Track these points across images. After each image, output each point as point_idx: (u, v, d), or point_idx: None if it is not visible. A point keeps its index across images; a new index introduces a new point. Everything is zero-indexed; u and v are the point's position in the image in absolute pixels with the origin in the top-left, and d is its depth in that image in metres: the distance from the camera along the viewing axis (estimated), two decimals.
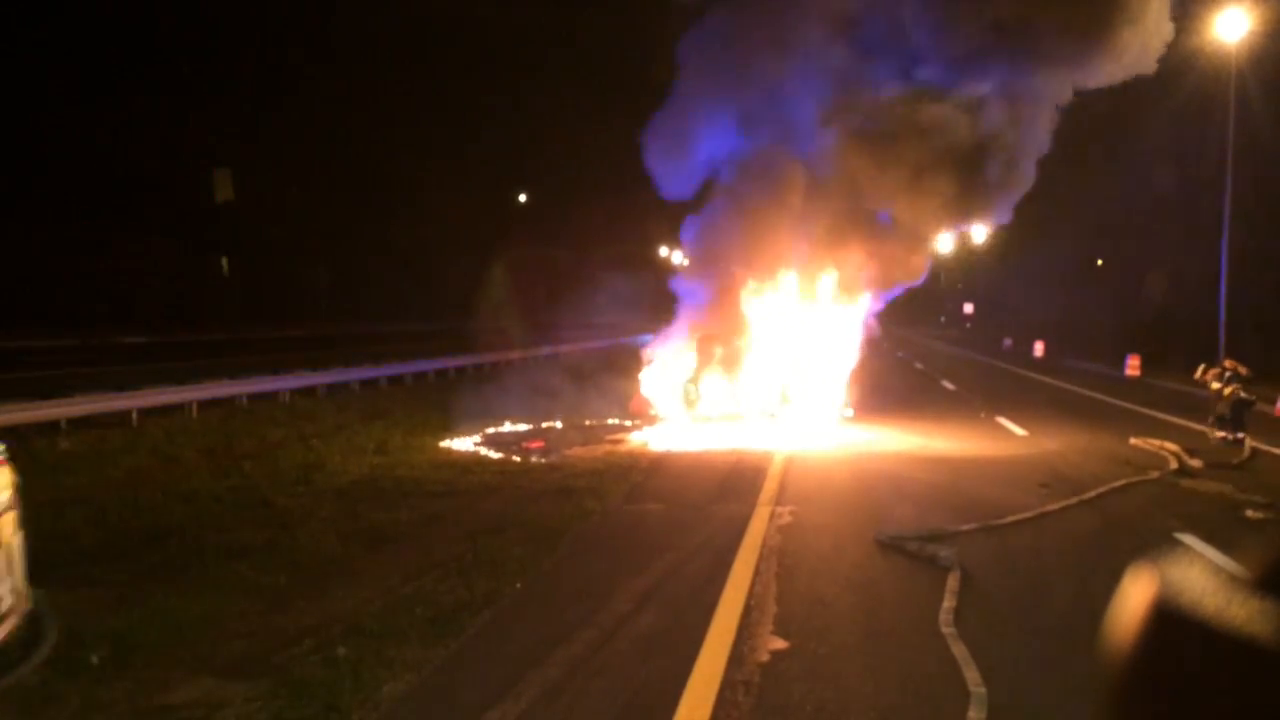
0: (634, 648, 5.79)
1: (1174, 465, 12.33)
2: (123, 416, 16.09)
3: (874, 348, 19.38)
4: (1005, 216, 19.38)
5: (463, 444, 15.09)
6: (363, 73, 62.78)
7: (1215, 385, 14.92)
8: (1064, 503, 9.95)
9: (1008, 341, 50.03)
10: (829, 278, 18.51)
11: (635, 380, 18.71)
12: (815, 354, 18.20)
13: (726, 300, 18.77)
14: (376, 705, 5.02)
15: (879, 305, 19.51)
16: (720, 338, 18.43)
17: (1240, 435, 14.32)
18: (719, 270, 19.16)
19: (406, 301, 57.58)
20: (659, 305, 19.95)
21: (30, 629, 5.34)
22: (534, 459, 13.57)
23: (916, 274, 19.30)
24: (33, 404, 14.93)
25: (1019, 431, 16.06)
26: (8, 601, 5.00)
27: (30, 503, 10.24)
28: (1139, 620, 0.79)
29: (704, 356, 18.30)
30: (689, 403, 17.91)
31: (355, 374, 23.77)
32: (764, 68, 17.91)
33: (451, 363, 28.55)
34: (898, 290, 19.69)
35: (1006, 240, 52.76)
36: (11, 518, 5.30)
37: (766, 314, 18.71)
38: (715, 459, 13.52)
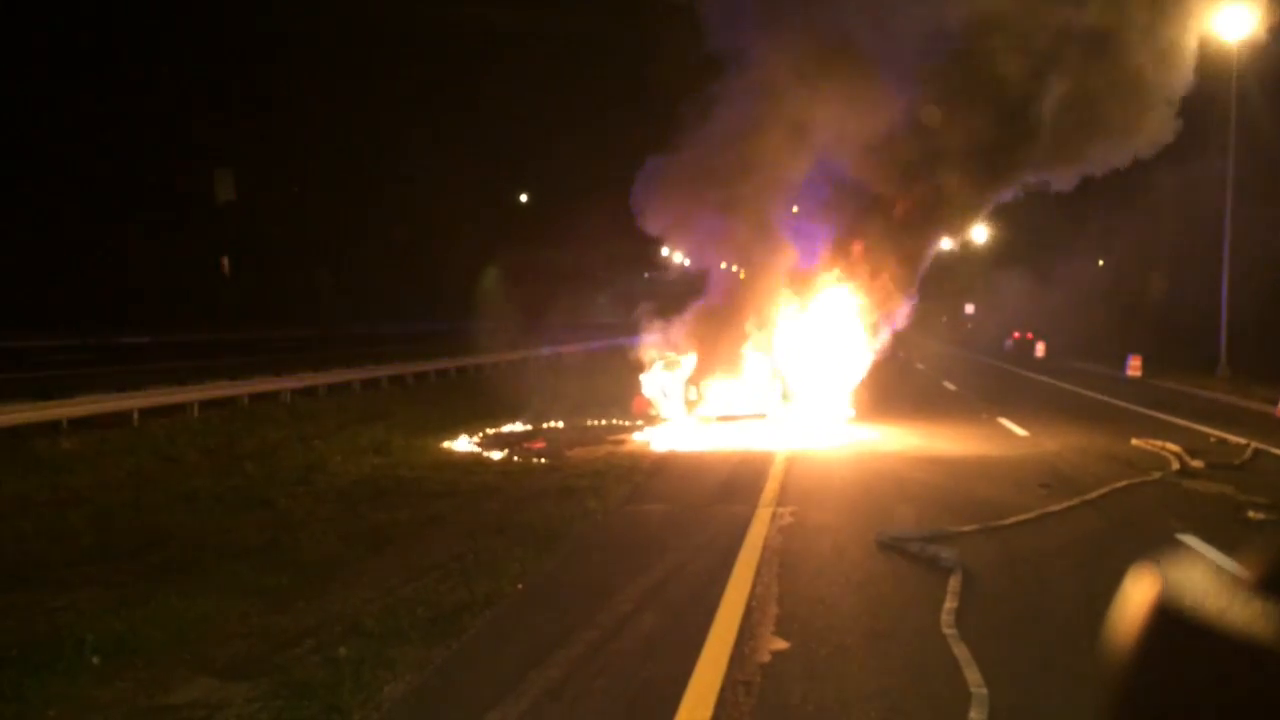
0: (635, 648, 5.79)
1: (1175, 466, 12.30)
2: (124, 417, 16.10)
3: (882, 351, 19.31)
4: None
5: (464, 444, 15.10)
6: (365, 73, 62.78)
7: None
8: (1065, 503, 9.93)
9: (1009, 342, 50.09)
10: (836, 282, 18.51)
11: (637, 380, 18.71)
12: (817, 354, 18.19)
13: (729, 300, 18.77)
14: (377, 706, 5.02)
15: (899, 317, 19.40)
16: (722, 337, 18.41)
17: None
18: (722, 269, 19.18)
19: (408, 302, 57.59)
20: (660, 305, 19.90)
21: None
22: (535, 460, 13.57)
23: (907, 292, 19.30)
24: (34, 404, 14.95)
25: (1020, 432, 16.05)
26: None
27: (31, 503, 10.30)
28: (1140, 621, 0.79)
29: (706, 356, 18.29)
30: (691, 403, 17.90)
31: (356, 374, 23.78)
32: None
33: (453, 363, 28.58)
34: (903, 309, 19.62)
35: (1008, 242, 52.76)
36: None
37: (769, 313, 18.69)
38: (717, 459, 13.51)
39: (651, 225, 18.80)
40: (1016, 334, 46.90)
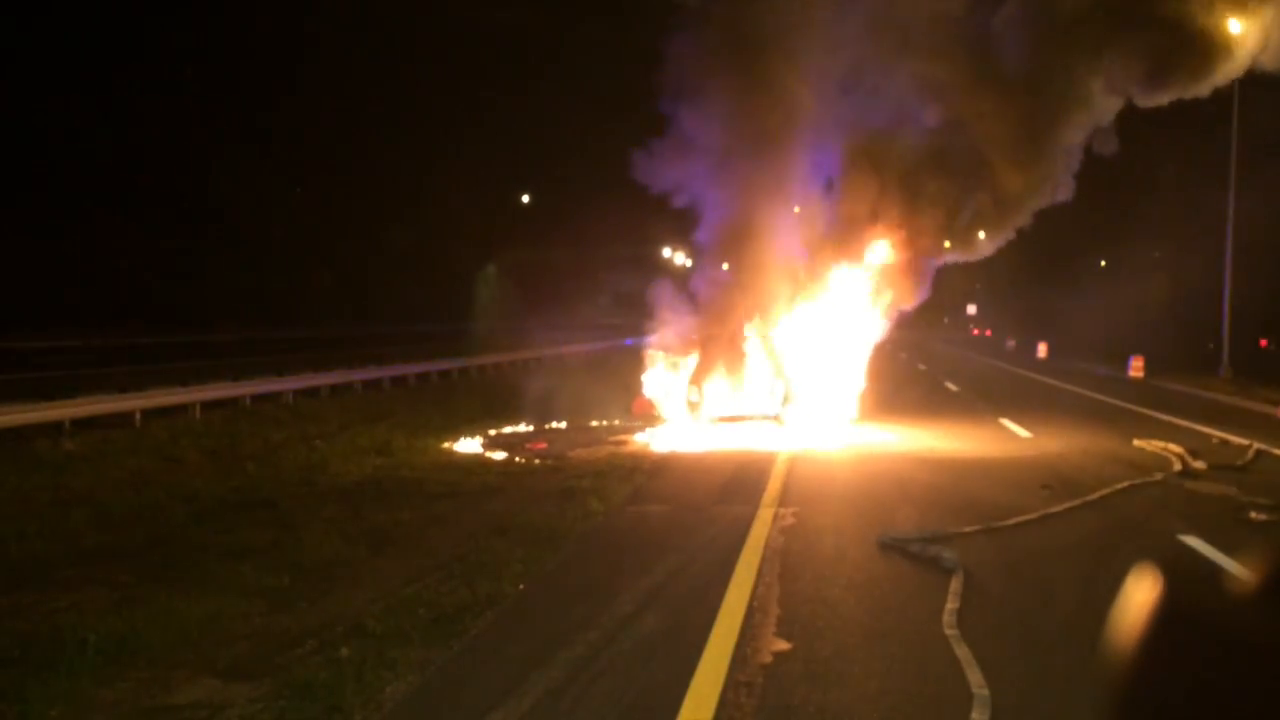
0: (637, 649, 5.79)
1: (1177, 467, 12.30)
2: (126, 417, 16.08)
3: (879, 350, 19.32)
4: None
5: (465, 445, 15.11)
6: (366, 73, 62.82)
7: None
8: (1067, 504, 9.93)
9: (1011, 342, 50.16)
10: (838, 279, 18.50)
11: (638, 382, 18.70)
12: (819, 355, 18.19)
13: (731, 301, 18.75)
14: (379, 706, 5.02)
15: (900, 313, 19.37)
16: (724, 338, 18.40)
17: None
18: (725, 272, 19.16)
19: (410, 303, 57.55)
20: (662, 307, 19.90)
21: None
22: (537, 460, 13.57)
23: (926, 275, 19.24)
24: (36, 405, 14.93)
25: (1022, 433, 16.04)
26: None
27: (34, 503, 10.31)
28: (1142, 622, 0.79)
29: (707, 357, 18.27)
30: (692, 404, 17.89)
31: (358, 375, 23.76)
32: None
33: (454, 364, 28.57)
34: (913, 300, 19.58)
35: (1011, 245, 52.64)
36: None
37: (771, 314, 18.69)
38: (719, 460, 13.51)
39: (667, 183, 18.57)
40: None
